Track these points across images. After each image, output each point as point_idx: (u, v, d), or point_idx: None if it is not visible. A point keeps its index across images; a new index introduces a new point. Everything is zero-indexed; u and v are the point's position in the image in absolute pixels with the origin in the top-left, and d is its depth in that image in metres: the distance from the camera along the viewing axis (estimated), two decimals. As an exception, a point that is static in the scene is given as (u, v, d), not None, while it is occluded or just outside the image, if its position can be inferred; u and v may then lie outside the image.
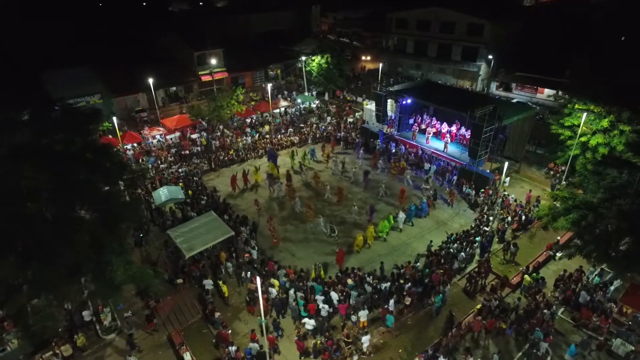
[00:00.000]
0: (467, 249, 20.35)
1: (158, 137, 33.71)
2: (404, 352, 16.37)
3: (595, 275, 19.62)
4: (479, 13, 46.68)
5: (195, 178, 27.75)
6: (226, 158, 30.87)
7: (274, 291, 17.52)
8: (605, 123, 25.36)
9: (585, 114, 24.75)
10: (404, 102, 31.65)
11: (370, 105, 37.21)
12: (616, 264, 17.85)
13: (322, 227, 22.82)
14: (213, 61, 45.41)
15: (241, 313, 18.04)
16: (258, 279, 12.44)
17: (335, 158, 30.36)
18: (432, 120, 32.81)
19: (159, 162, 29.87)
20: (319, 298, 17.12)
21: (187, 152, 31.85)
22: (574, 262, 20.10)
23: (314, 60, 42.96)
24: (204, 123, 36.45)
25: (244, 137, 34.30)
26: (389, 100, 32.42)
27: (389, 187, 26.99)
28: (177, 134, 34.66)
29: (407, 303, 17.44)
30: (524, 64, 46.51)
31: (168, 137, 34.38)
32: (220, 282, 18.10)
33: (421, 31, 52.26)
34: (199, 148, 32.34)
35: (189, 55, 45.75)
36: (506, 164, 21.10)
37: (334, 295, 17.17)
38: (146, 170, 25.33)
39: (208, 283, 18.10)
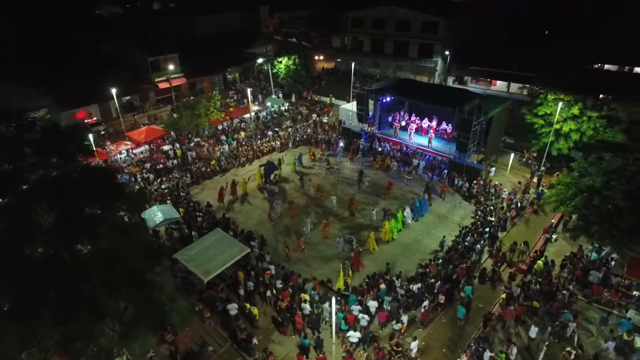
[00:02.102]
0: (481, 241, 20.85)
1: (125, 152, 30.75)
2: (448, 351, 16.32)
3: (593, 252, 21.04)
4: (433, 11, 48.47)
5: (182, 194, 25.63)
6: (208, 169, 28.95)
7: (307, 307, 16.60)
8: (575, 110, 27.38)
9: (560, 103, 26.50)
10: (384, 101, 31.89)
11: (347, 105, 37.09)
12: (617, 240, 19.36)
13: (341, 246, 21.44)
14: (170, 67, 42.53)
15: (273, 335, 16.86)
16: (334, 299, 11.45)
17: (320, 156, 29.82)
18: (410, 116, 33.33)
19: (134, 179, 27.21)
20: (355, 308, 16.53)
21: (162, 166, 29.39)
22: (569, 242, 21.63)
23: (281, 62, 41.88)
24: (172, 133, 33.97)
25: (221, 146, 32.44)
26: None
27: (374, 182, 27.11)
28: (146, 147, 31.89)
29: (442, 301, 17.42)
30: (476, 58, 49.21)
31: (136, 151, 31.53)
32: (248, 305, 16.76)
33: (377, 29, 53.13)
34: (174, 161, 29.98)
35: (142, 61, 42.44)
36: (512, 155, 21.93)
37: (373, 304, 16.68)
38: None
39: (232, 307, 16.66)
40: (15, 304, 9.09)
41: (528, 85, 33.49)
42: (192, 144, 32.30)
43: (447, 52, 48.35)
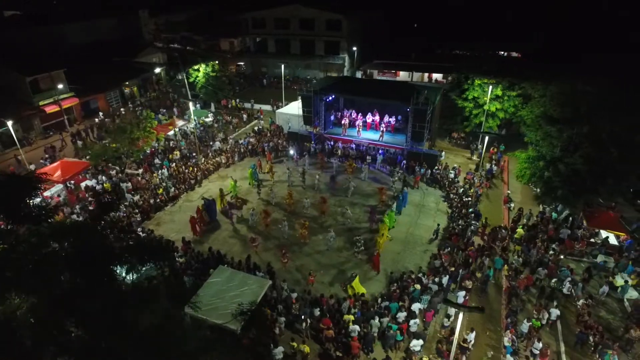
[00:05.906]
0: (471, 221, 22.13)
1: (37, 196, 24.38)
2: (491, 333, 16.94)
3: (553, 212, 24.16)
4: (335, 9, 49.51)
5: (144, 234, 21.43)
6: (158, 200, 24.82)
7: (356, 327, 15.44)
8: (498, 91, 30.95)
9: (491, 87, 29.59)
10: (328, 100, 31.52)
11: (284, 109, 35.70)
12: (571, 199, 22.48)
13: (333, 242, 21.06)
14: (58, 86, 35.17)
15: (325, 369, 15.30)
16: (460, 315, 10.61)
17: (291, 170, 28.08)
18: (350, 113, 33.56)
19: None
20: (402, 315, 16.00)
21: (94, 206, 24.17)
22: (525, 206, 24.51)
23: (198, 69, 38.05)
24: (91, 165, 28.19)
25: (159, 171, 28.10)
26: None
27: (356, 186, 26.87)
28: (59, 186, 25.85)
29: (470, 287, 17.98)
30: (379, 52, 52.32)
31: (48, 193, 25.29)
32: (295, 344, 14.83)
33: (282, 29, 52.21)
34: (108, 197, 24.81)
35: (16, 82, 34.16)
36: (486, 138, 23.66)
37: (416, 306, 16.32)
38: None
39: (278, 351, 14.53)
40: None
41: (451, 73, 36.61)
42: (124, 174, 27.23)
43: (354, 48, 50.04)
